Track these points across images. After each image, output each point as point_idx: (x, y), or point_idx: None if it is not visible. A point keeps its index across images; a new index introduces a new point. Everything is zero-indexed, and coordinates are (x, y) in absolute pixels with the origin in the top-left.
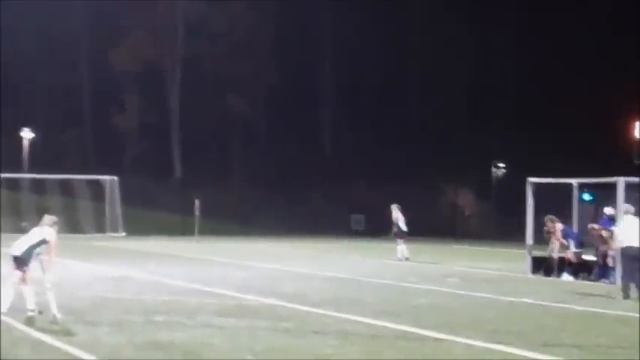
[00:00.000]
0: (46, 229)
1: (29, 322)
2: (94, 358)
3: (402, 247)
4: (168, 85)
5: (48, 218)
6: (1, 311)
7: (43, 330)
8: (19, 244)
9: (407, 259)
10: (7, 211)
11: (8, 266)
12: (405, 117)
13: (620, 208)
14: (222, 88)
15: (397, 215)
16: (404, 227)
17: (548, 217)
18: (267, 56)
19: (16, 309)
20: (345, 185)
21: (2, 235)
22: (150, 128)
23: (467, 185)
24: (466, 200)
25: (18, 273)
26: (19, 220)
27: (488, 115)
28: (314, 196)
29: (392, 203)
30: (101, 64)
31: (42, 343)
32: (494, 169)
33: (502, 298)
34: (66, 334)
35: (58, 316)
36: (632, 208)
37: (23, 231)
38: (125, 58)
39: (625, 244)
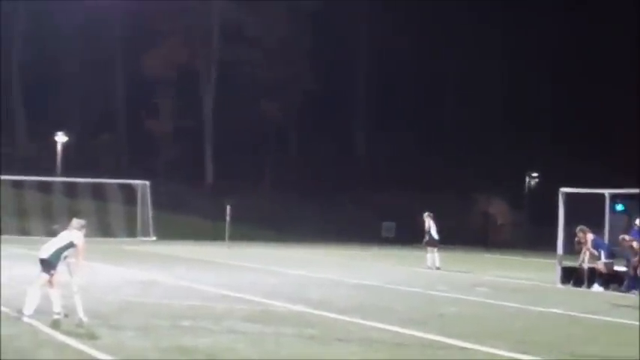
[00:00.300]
0: (74, 233)
1: (55, 325)
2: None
3: (432, 256)
4: (202, 90)
5: (76, 222)
6: (26, 314)
7: (68, 333)
8: (47, 247)
9: (438, 268)
10: (38, 214)
11: (36, 269)
12: (440, 125)
13: None
14: (256, 93)
15: (429, 223)
16: (436, 235)
17: (579, 228)
18: (303, 61)
19: (43, 312)
20: (377, 192)
21: (34, 237)
22: (183, 133)
23: (500, 194)
24: (499, 209)
25: (45, 276)
26: (51, 223)
27: (524, 124)
28: (346, 202)
29: (424, 211)
30: (135, 68)
31: (67, 346)
32: (527, 179)
33: (531, 307)
34: (91, 337)
35: (84, 319)
36: None
37: (54, 234)
38: (159, 62)
39: None
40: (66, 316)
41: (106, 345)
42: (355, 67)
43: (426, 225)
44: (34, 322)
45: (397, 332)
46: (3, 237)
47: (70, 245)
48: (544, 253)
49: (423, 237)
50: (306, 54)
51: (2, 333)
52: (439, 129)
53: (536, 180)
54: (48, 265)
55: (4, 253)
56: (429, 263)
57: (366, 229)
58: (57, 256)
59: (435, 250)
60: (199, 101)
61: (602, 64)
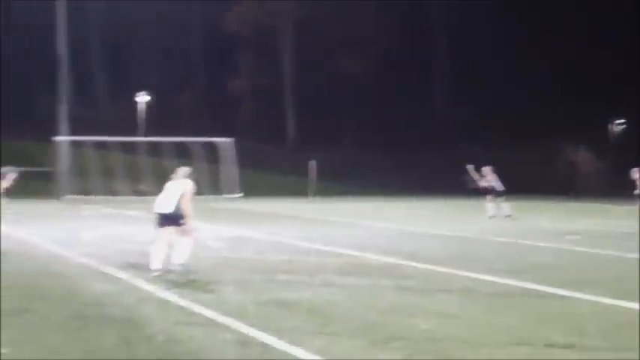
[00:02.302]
0: (182, 181)
1: (155, 280)
2: (218, 314)
3: (493, 205)
4: (281, 47)
5: (183, 170)
6: (154, 268)
7: (168, 289)
8: (167, 202)
9: (507, 216)
10: (124, 174)
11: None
12: (522, 75)
13: None
14: (335, 50)
15: (491, 176)
16: (498, 187)
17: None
18: (380, 17)
19: (141, 268)
20: (461, 145)
21: (122, 197)
22: (263, 91)
23: (584, 143)
24: (583, 158)
25: (170, 229)
26: (136, 184)
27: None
28: (428, 156)
29: (509, 162)
30: (214, 26)
31: (167, 302)
32: (612, 126)
33: (627, 255)
34: (190, 292)
35: (178, 269)
36: None
37: (140, 193)
38: (238, 21)
39: None
40: (169, 272)
41: (206, 300)
42: (434, 19)
43: (488, 178)
44: (135, 280)
45: (494, 282)
46: (90, 198)
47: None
48: (631, 200)
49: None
50: (385, 9)
51: (104, 290)
52: (522, 78)
53: (622, 127)
54: (174, 217)
55: (92, 214)
56: (490, 213)
57: (451, 182)
58: (179, 207)
59: (493, 197)
60: (279, 59)
61: None
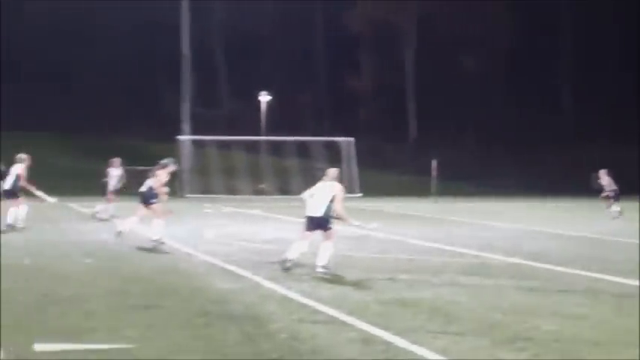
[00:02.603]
0: (330, 183)
1: (276, 279)
2: (340, 313)
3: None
4: (403, 45)
5: (333, 170)
6: (289, 257)
7: (289, 287)
8: (316, 205)
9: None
10: (245, 173)
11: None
12: None
13: None
14: (458, 48)
15: (606, 179)
16: (613, 188)
17: None
18: (505, 13)
19: (261, 267)
20: (584, 144)
21: (242, 196)
22: (385, 89)
23: None
24: None
25: (314, 233)
26: (258, 183)
27: None
28: (551, 155)
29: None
30: (336, 25)
31: (290, 300)
32: None
33: None
34: (312, 290)
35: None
36: None
37: (261, 192)
38: (360, 20)
39: None
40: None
41: (328, 298)
42: (559, 17)
43: (605, 182)
44: (257, 278)
45: (622, 283)
46: (212, 196)
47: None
48: None
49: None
50: (507, 6)
51: (227, 288)
52: None
53: None
54: (323, 221)
55: (214, 212)
56: (612, 215)
57: (574, 182)
58: (329, 211)
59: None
60: (400, 57)
61: None
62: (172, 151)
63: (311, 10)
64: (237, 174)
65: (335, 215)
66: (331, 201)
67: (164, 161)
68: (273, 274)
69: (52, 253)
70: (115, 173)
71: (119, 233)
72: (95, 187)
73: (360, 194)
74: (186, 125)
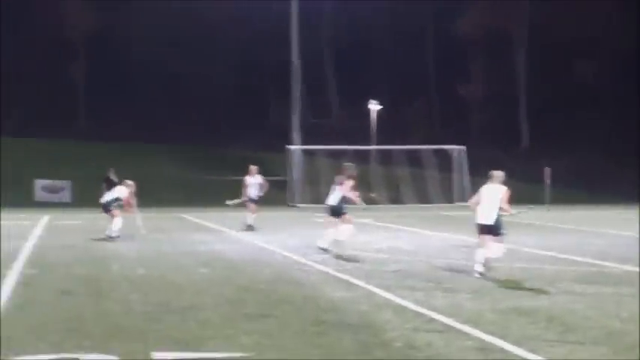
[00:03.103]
0: (497, 187)
1: (388, 288)
2: (455, 321)
3: None
4: (515, 52)
5: (498, 174)
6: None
7: (403, 296)
8: (488, 212)
9: None
10: (355, 182)
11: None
12: None
13: None
14: (571, 52)
15: None
16: None
17: None
18: (617, 17)
19: (373, 276)
20: None
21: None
22: (496, 96)
23: None
24: None
25: (486, 238)
26: (368, 192)
27: None
28: None
29: None
30: (446, 32)
31: (403, 308)
32: None
33: None
34: (426, 299)
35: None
36: None
37: (372, 202)
38: (470, 26)
39: None
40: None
41: (443, 307)
42: None
43: None
44: (370, 286)
45: None
46: (322, 206)
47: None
48: None
49: None
50: (626, 6)
51: (341, 296)
52: None
53: None
54: (494, 229)
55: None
56: None
57: None
58: (499, 218)
59: None
60: (511, 64)
61: None
62: (282, 161)
63: (421, 17)
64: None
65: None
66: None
67: (347, 164)
68: (386, 282)
69: (166, 263)
70: (253, 181)
71: (324, 249)
72: (206, 198)
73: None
74: (296, 134)
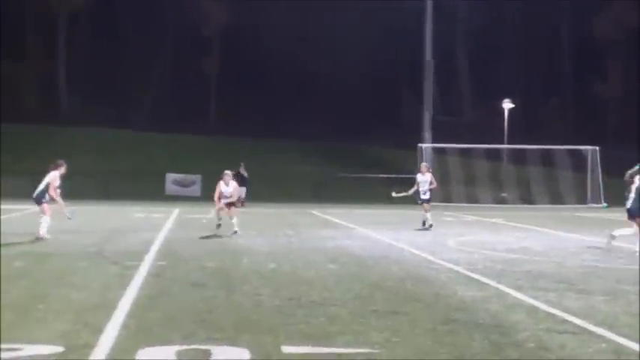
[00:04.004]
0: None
1: (520, 288)
2: (589, 323)
3: None
4: None
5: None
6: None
7: (535, 297)
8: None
9: None
10: (486, 182)
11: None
12: None
13: None
14: None
15: None
16: None
17: None
18: None
19: (505, 275)
20: None
21: (483, 205)
22: (633, 95)
23: None
24: None
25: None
26: (499, 191)
27: None
28: None
29: None
30: (583, 31)
31: (536, 309)
32: None
33: None
34: (558, 301)
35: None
36: None
37: (502, 201)
38: (608, 24)
39: None
40: None
41: (576, 308)
42: None
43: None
44: (501, 286)
45: None
46: (453, 205)
47: None
48: None
49: None
50: None
51: (471, 295)
52: None
53: None
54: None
55: (454, 220)
56: None
57: None
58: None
59: None
60: None
61: None
62: (413, 159)
63: (556, 15)
64: (478, 182)
65: None
66: None
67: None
68: (517, 283)
69: (295, 259)
70: (423, 179)
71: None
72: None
73: (604, 204)
74: (427, 133)
